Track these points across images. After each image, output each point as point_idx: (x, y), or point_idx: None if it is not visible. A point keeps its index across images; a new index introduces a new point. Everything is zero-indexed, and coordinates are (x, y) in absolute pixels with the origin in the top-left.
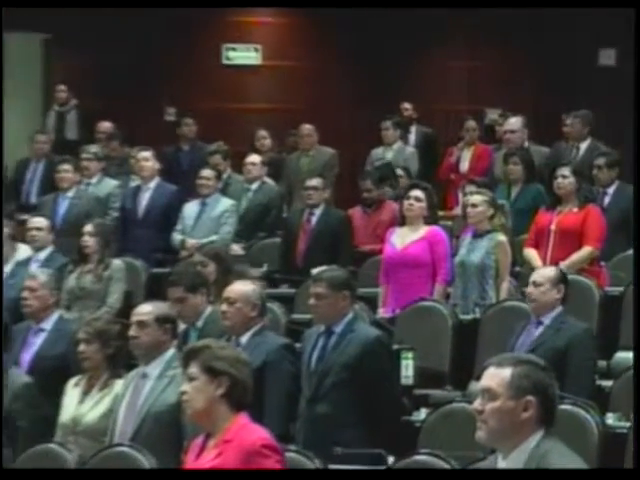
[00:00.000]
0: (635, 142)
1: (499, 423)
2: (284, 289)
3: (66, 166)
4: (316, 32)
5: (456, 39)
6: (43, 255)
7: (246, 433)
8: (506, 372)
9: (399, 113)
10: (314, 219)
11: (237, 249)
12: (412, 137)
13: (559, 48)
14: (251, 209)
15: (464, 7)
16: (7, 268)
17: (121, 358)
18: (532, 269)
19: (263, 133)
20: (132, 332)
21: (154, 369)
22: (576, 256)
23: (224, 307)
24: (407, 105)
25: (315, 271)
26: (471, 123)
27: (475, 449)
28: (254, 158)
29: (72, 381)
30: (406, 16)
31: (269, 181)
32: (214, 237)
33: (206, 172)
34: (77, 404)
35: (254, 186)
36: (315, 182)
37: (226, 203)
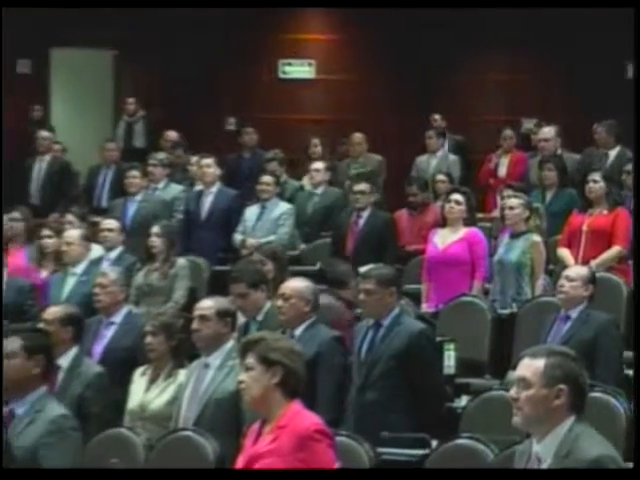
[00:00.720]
0: (635, 142)
1: (534, 410)
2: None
3: (134, 172)
4: (364, 48)
5: (495, 54)
6: (114, 254)
7: (299, 419)
8: (540, 362)
9: (430, 124)
10: (361, 221)
11: (304, 248)
12: (445, 144)
13: (590, 62)
14: (317, 212)
15: (463, 7)
16: (81, 266)
17: (184, 349)
18: (565, 267)
19: (315, 141)
20: (194, 325)
21: (215, 359)
22: (606, 255)
23: (280, 302)
24: (436, 116)
25: (363, 269)
26: (508, 132)
27: (512, 434)
28: (319, 165)
29: (139, 370)
30: (447, 32)
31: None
32: (272, 237)
33: (266, 178)
34: (144, 392)
35: (319, 190)
36: (362, 187)
37: (284, 207)
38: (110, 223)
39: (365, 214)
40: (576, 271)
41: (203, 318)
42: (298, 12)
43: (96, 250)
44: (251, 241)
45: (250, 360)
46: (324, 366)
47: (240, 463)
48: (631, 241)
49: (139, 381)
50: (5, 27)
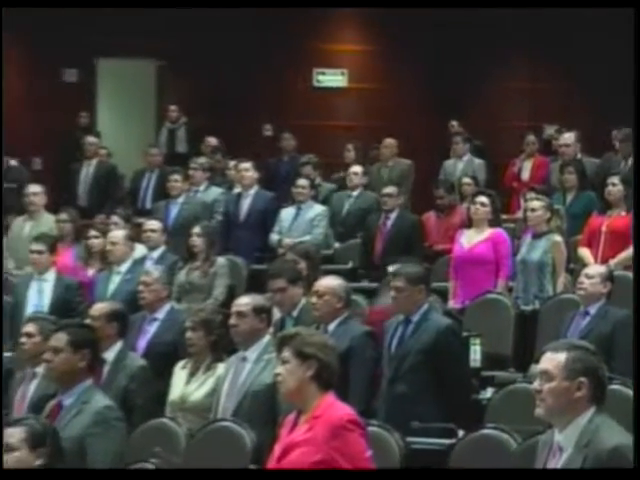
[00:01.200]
0: (635, 142)
1: (555, 401)
2: (367, 283)
3: (176, 176)
4: (394, 58)
5: (518, 64)
6: (157, 254)
7: (333, 410)
8: (561, 356)
9: (447, 130)
10: (389, 222)
11: (337, 248)
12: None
13: (608, 72)
14: (352, 213)
15: (463, 7)
16: (125, 265)
17: (223, 344)
18: (585, 266)
19: (349, 146)
20: (232, 321)
21: (252, 353)
22: (624, 254)
23: (314, 299)
24: (454, 122)
25: (391, 268)
26: (531, 137)
27: (535, 424)
28: (357, 168)
29: (180, 364)
30: (473, 44)
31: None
32: (307, 237)
33: (301, 181)
34: (184, 384)
35: (355, 193)
36: (390, 190)
37: (318, 208)
38: (153, 224)
39: (393, 216)
40: (595, 269)
41: (240, 314)
42: (332, 24)
43: (140, 250)
44: (287, 241)
45: (286, 354)
46: (356, 359)
47: (276, 452)
48: None
49: (180, 374)
50: (53, 37)
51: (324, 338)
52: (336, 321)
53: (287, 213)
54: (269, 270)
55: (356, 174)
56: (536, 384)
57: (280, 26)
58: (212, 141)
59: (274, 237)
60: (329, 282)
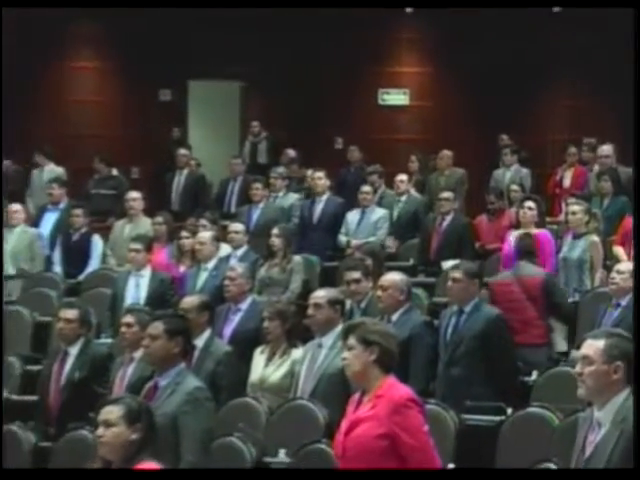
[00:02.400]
0: (635, 142)
1: (595, 383)
2: (426, 278)
3: (258, 184)
4: (450, 79)
5: (561, 84)
6: (240, 252)
7: (394, 390)
8: (600, 343)
9: (498, 142)
10: (445, 223)
11: (390, 244)
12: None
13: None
14: (402, 215)
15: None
16: (212, 263)
17: (297, 332)
18: (619, 262)
19: (412, 157)
20: (310, 312)
21: (327, 340)
22: None
23: (379, 293)
24: (503, 136)
25: (446, 264)
26: (572, 149)
27: (576, 403)
28: (403, 177)
29: (259, 349)
30: (520, 65)
31: (414, 193)
32: (372, 238)
33: (366, 188)
34: (263, 368)
35: (403, 198)
36: (447, 195)
37: (380, 212)
38: (237, 226)
39: (448, 218)
40: (625, 266)
41: (317, 306)
42: (395, 49)
43: (225, 249)
44: (354, 242)
45: (351, 341)
46: (416, 346)
47: (343, 427)
48: None
49: (259, 358)
50: (150, 61)
51: (385, 327)
52: (398, 312)
53: (353, 216)
54: (345, 264)
55: (402, 182)
56: (578, 368)
57: (350, 50)
58: (289, 153)
59: (342, 238)
60: (392, 277)
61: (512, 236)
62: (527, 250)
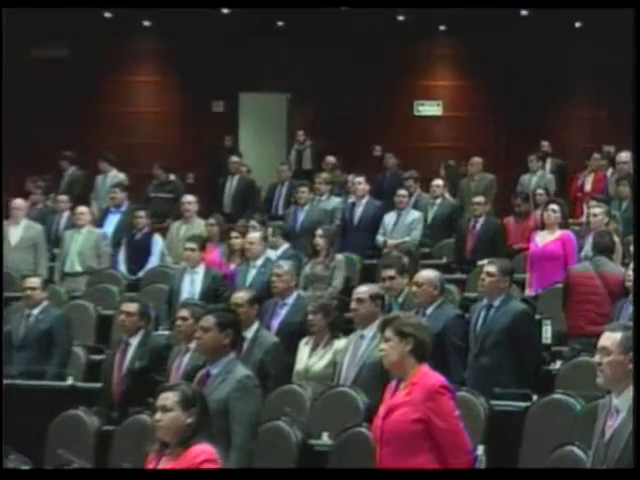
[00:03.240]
0: (635, 143)
1: (613, 372)
2: (458, 275)
3: (303, 188)
4: (480, 92)
5: (583, 97)
6: (280, 251)
7: (428, 377)
8: (617, 335)
9: (539, 149)
10: (478, 225)
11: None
12: (548, 166)
13: None
14: (436, 218)
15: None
16: (260, 261)
17: (338, 324)
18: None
19: (445, 164)
20: (353, 305)
21: (369, 332)
22: None
23: (414, 288)
24: (545, 142)
25: (481, 262)
26: (596, 155)
27: (596, 390)
28: (439, 182)
29: (303, 341)
30: (545, 79)
31: (448, 197)
32: (407, 238)
33: (401, 192)
34: (307, 357)
35: (438, 201)
36: (479, 199)
37: (415, 214)
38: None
39: (481, 220)
40: None
41: (359, 300)
42: (429, 64)
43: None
44: (391, 241)
45: (388, 333)
46: (450, 337)
47: (381, 412)
48: None
49: (303, 349)
50: (204, 76)
51: (420, 320)
52: (432, 306)
53: (389, 218)
54: (382, 262)
55: (438, 186)
56: (597, 358)
57: (387, 65)
58: (332, 159)
59: (379, 238)
60: (427, 274)
61: (538, 236)
62: (605, 247)
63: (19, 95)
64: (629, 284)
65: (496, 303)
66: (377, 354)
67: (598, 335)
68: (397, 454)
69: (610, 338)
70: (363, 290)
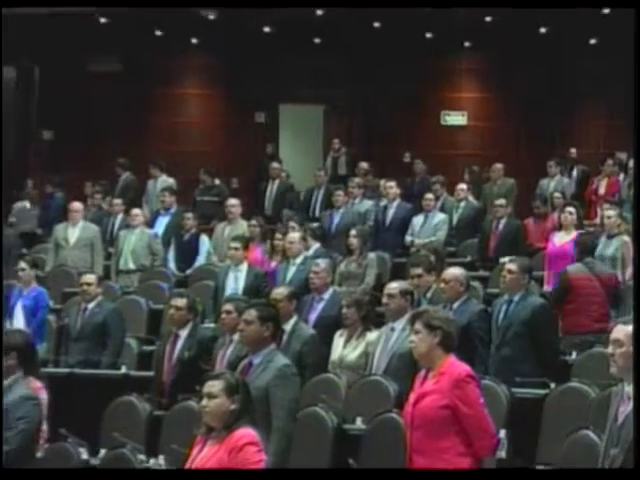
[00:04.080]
0: (635, 144)
1: (625, 362)
2: (481, 272)
3: (339, 192)
4: (502, 103)
5: (598, 107)
6: (312, 251)
7: (455, 367)
8: (629, 328)
9: (566, 155)
10: (500, 226)
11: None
12: (574, 172)
13: None
14: (461, 219)
15: (472, 7)
16: (299, 259)
17: (370, 318)
18: None
19: (469, 170)
20: (384, 300)
21: (399, 325)
22: None
23: (442, 285)
24: (572, 150)
25: (503, 260)
26: (610, 161)
27: (609, 379)
28: (463, 186)
29: (338, 333)
30: (561, 91)
31: (472, 200)
32: (433, 238)
33: (428, 195)
34: (342, 348)
35: (462, 204)
36: (501, 202)
37: (441, 216)
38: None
39: (503, 221)
40: None
41: (391, 296)
42: (455, 77)
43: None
44: (418, 241)
45: (418, 326)
46: (474, 330)
47: (412, 399)
48: None
49: (338, 340)
50: (247, 89)
51: (447, 314)
52: (459, 301)
53: (417, 219)
54: (410, 261)
55: (462, 190)
56: (610, 349)
57: (416, 78)
58: (365, 165)
59: (408, 238)
60: (454, 271)
61: (555, 236)
62: (589, 248)
63: (78, 107)
64: None
65: (516, 298)
66: (406, 345)
67: (604, 331)
68: (427, 438)
69: (622, 331)
70: (394, 286)
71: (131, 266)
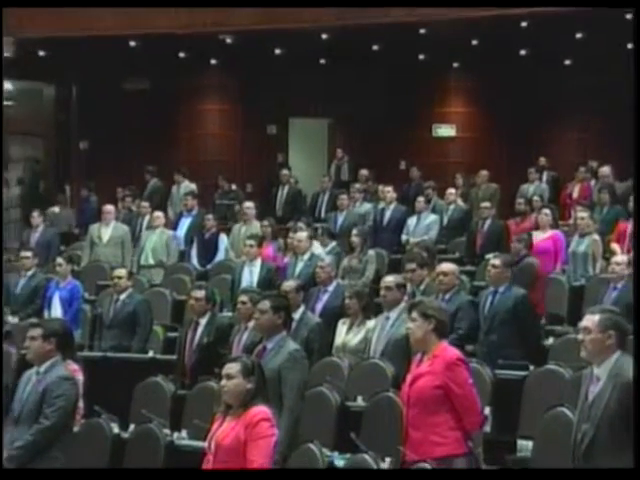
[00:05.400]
0: (635, 145)
1: (593, 348)
2: (469, 267)
3: (342, 196)
4: (487, 117)
5: (572, 121)
6: (328, 249)
7: (447, 352)
8: (596, 317)
9: (536, 163)
10: (485, 226)
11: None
12: (544, 177)
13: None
14: (451, 220)
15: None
16: (306, 255)
17: (370, 307)
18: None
19: (458, 175)
20: (382, 292)
21: (393, 314)
22: None
23: (441, 277)
24: (542, 158)
25: (488, 256)
26: (582, 169)
27: (581, 362)
28: (452, 190)
29: (341, 321)
30: (541, 106)
31: (460, 203)
32: (425, 237)
33: (420, 199)
34: (344, 334)
35: (451, 206)
36: (486, 204)
37: (432, 217)
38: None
39: (488, 222)
40: (621, 258)
41: (387, 288)
42: (445, 95)
43: (315, 246)
44: (412, 240)
45: (414, 314)
46: (462, 317)
47: (408, 380)
48: None
49: (341, 328)
50: (260, 103)
51: (440, 304)
52: (450, 292)
53: (411, 220)
54: (406, 257)
55: (451, 194)
56: (580, 336)
57: (411, 95)
58: (365, 172)
59: (403, 237)
60: (450, 266)
61: (533, 235)
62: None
63: (111, 121)
64: (613, 276)
65: (501, 289)
66: (400, 331)
67: None
68: (421, 414)
69: (590, 320)
70: (389, 280)
71: (151, 262)
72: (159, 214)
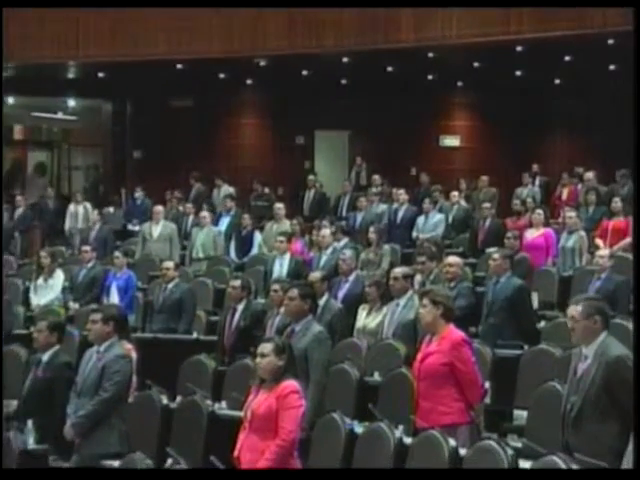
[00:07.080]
0: (634, 146)
1: (581, 333)
2: (471, 260)
3: (361, 198)
4: (488, 129)
5: (561, 132)
6: (342, 244)
7: (453, 333)
8: (579, 307)
9: (530, 170)
10: (486, 224)
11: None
12: (537, 182)
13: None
14: (455, 219)
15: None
16: (330, 250)
17: (387, 294)
18: (599, 250)
19: (461, 180)
20: (391, 282)
21: (402, 301)
22: (622, 243)
23: (449, 268)
24: (535, 165)
25: (489, 250)
26: (565, 175)
27: (569, 343)
28: (455, 193)
29: (361, 306)
30: (536, 121)
31: (463, 204)
32: (433, 233)
33: (427, 200)
34: (364, 318)
35: (455, 207)
36: (486, 205)
37: (439, 216)
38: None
39: (488, 220)
40: (604, 252)
41: (395, 278)
42: (451, 110)
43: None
44: (421, 236)
45: (425, 301)
46: (462, 303)
47: (419, 357)
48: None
49: (362, 312)
50: (289, 117)
51: (447, 292)
52: (456, 281)
53: (420, 219)
54: (416, 251)
55: (455, 196)
56: (569, 324)
57: (420, 111)
58: (377, 178)
59: (414, 234)
60: (456, 259)
61: (528, 232)
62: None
63: (161, 133)
64: (598, 268)
65: (501, 279)
66: (409, 316)
67: None
68: (430, 387)
69: (574, 309)
70: (398, 271)
71: (200, 255)
72: (205, 214)
